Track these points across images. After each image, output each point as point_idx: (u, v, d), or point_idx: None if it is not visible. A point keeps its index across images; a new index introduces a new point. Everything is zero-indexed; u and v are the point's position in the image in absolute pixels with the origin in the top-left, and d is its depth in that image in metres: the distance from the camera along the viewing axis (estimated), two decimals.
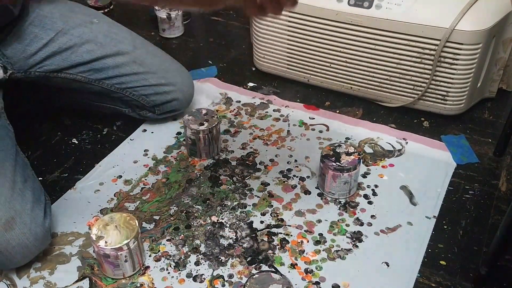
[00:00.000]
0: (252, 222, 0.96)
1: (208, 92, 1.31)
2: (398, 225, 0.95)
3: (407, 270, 0.87)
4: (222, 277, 0.86)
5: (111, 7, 1.68)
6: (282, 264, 0.88)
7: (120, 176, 1.06)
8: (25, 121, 1.15)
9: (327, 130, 1.19)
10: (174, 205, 0.99)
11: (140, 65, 1.12)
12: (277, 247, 0.91)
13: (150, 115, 1.17)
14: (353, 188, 1.00)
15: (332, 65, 1.26)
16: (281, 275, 0.81)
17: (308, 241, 0.92)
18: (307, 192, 1.02)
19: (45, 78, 1.07)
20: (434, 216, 0.97)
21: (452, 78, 1.14)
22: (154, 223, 0.96)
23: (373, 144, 1.14)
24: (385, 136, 1.16)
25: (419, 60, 1.14)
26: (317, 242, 0.92)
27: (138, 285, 0.85)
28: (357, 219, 0.96)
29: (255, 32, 1.32)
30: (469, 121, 1.21)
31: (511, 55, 1.20)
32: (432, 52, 1.12)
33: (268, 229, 0.94)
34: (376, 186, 1.03)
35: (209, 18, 1.67)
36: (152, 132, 1.19)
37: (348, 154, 0.98)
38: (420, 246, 0.91)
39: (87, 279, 0.86)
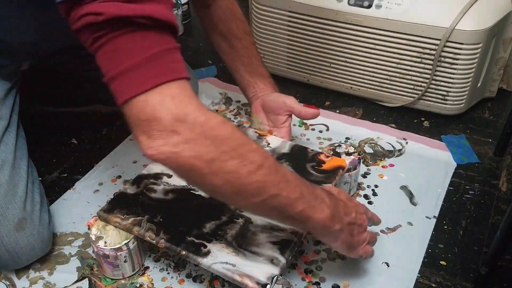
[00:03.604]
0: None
1: (208, 92, 1.31)
2: (398, 225, 0.95)
3: (407, 270, 0.87)
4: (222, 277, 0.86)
5: None
6: None
7: (120, 176, 1.06)
8: (24, 121, 1.15)
9: (327, 130, 1.18)
10: None
11: None
12: None
13: None
14: (353, 188, 0.99)
15: (332, 65, 1.26)
16: (281, 275, 0.80)
17: (308, 241, 0.92)
18: None
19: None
20: (434, 216, 0.96)
21: (452, 78, 1.13)
22: None
23: (373, 144, 1.14)
24: (385, 136, 1.16)
25: (419, 60, 1.14)
26: (317, 242, 0.92)
27: (138, 285, 0.85)
28: None
29: (255, 32, 1.32)
30: (469, 121, 1.21)
31: (511, 55, 1.20)
32: (432, 51, 1.12)
33: None
34: (376, 186, 1.03)
35: None
36: None
37: (348, 154, 0.97)
38: (420, 246, 0.91)
39: (87, 279, 0.86)
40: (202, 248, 0.78)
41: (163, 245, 0.79)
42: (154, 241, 0.79)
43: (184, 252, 0.77)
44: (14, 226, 0.82)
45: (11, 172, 0.85)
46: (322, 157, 0.94)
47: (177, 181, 0.90)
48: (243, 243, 0.79)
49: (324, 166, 0.92)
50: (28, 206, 0.84)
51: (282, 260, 0.76)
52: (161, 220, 0.82)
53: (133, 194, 0.87)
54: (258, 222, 0.82)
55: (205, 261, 0.76)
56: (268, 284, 0.73)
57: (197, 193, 0.87)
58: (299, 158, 0.94)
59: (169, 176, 0.91)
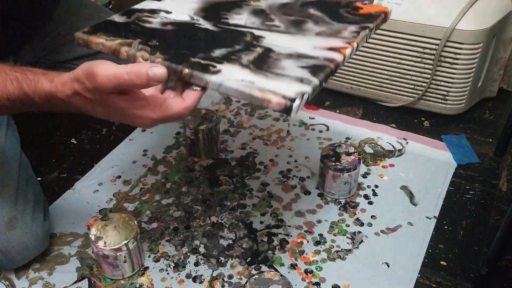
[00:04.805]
0: (251, 222, 0.95)
1: (208, 91, 1.31)
2: (398, 225, 0.95)
3: (407, 270, 0.87)
4: (221, 277, 0.86)
5: (109, 7, 1.68)
6: (282, 264, 0.88)
7: (119, 176, 1.06)
8: (24, 121, 1.15)
9: (327, 130, 1.18)
10: (174, 205, 0.99)
11: None
12: (277, 247, 0.91)
13: None
14: (353, 188, 0.99)
15: None
16: (281, 275, 0.80)
17: (308, 242, 0.92)
18: (307, 192, 1.02)
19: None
20: (435, 217, 0.96)
21: (453, 78, 1.13)
22: (153, 223, 0.95)
23: (373, 144, 1.14)
24: (386, 136, 1.16)
25: (419, 59, 1.14)
26: (317, 243, 0.92)
27: (138, 285, 0.85)
28: (357, 219, 0.96)
29: None
30: (469, 121, 1.21)
31: (511, 55, 1.20)
32: (432, 51, 1.11)
33: (268, 230, 0.94)
34: (376, 186, 1.03)
35: None
36: (151, 132, 1.18)
37: (348, 154, 0.97)
38: (420, 246, 0.91)
39: (86, 279, 0.86)
40: (210, 67, 0.62)
41: (160, 65, 0.59)
42: (148, 60, 0.62)
43: (187, 70, 0.61)
44: (5, 224, 0.81)
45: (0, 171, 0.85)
46: (358, 4, 0.78)
47: (179, 16, 0.73)
48: (263, 66, 0.62)
49: (362, 11, 0.76)
50: (19, 204, 0.84)
51: (315, 80, 0.62)
52: (157, 44, 0.65)
53: (122, 23, 0.70)
54: (282, 51, 0.66)
55: (214, 78, 0.60)
56: (297, 98, 0.57)
57: (203, 26, 0.71)
58: (330, 4, 0.78)
59: (168, 12, 0.74)
